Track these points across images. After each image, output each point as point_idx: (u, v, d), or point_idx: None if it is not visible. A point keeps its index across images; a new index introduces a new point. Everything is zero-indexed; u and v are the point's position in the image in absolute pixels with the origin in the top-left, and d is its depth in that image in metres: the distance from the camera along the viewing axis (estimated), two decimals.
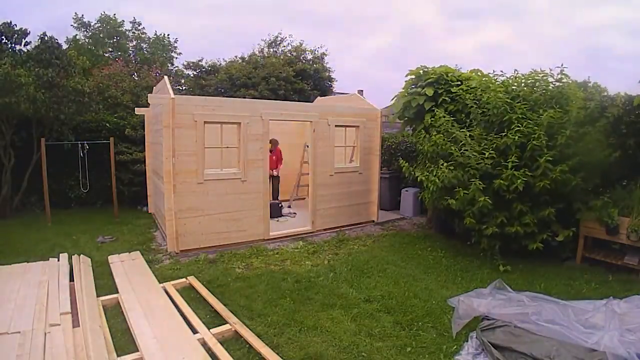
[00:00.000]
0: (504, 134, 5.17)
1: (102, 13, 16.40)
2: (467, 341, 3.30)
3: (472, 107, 5.67)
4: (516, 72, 5.95)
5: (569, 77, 5.60)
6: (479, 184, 4.91)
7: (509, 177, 4.89)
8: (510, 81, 5.91)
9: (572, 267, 5.17)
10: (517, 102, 5.33)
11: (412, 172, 5.93)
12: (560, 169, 4.81)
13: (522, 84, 5.72)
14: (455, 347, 3.26)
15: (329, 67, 16.13)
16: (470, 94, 5.84)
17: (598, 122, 5.03)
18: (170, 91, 5.53)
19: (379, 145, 7.57)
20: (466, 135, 5.35)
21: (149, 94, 6.34)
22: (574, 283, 4.58)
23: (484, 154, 5.08)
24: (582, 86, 5.86)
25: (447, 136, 5.60)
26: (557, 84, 5.60)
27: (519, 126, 5.05)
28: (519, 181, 4.80)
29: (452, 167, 5.23)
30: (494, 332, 3.21)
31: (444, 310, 3.90)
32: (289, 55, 15.71)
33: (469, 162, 5.12)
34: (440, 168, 5.29)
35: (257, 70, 13.95)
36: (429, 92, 6.34)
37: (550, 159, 4.85)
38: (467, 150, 5.20)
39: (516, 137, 5.00)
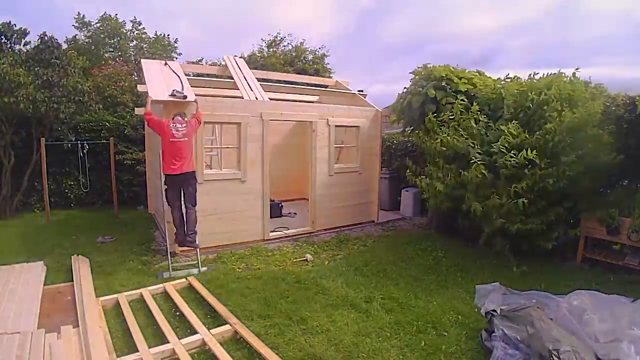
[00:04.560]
0: (536, 131, 5.02)
1: (104, 13, 16.39)
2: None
3: (509, 103, 5.55)
4: (535, 73, 5.91)
5: (578, 78, 5.59)
6: (518, 187, 4.74)
7: (534, 177, 4.78)
8: (527, 82, 5.86)
9: (572, 268, 5.15)
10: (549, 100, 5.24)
11: (415, 180, 5.90)
12: (577, 170, 4.79)
13: (544, 86, 5.62)
14: (455, 347, 3.26)
15: (330, 68, 16.15)
16: (494, 93, 5.81)
17: (605, 122, 5.01)
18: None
19: (379, 145, 7.57)
20: (506, 129, 5.08)
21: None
22: (575, 283, 4.55)
23: (516, 153, 4.86)
24: (584, 86, 5.84)
25: (464, 129, 5.47)
26: (570, 86, 5.57)
27: (549, 123, 4.96)
28: (551, 181, 4.72)
29: (483, 168, 4.97)
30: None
31: (444, 311, 3.90)
32: (289, 55, 15.72)
33: (497, 161, 4.93)
34: (477, 167, 4.99)
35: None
36: (430, 92, 6.32)
37: (575, 159, 4.81)
38: (497, 145, 4.99)
39: (548, 136, 4.91)
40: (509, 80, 6.23)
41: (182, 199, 5.06)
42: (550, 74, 5.77)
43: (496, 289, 4.10)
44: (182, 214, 5.11)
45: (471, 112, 5.66)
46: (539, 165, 4.84)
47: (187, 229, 5.12)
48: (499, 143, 5.03)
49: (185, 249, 5.57)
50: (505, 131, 5.08)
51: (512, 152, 4.88)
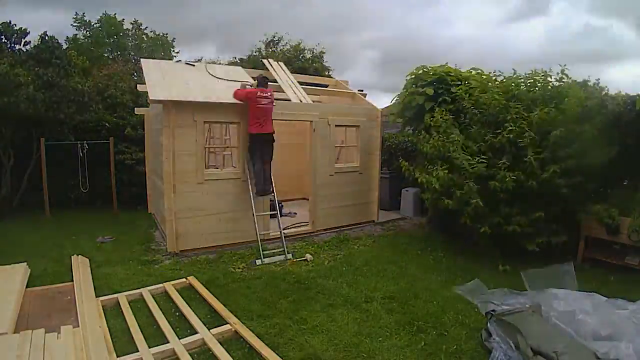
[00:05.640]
0: (499, 131, 5.15)
1: (104, 13, 16.40)
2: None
3: (469, 108, 5.65)
4: (514, 71, 5.93)
5: (569, 76, 5.59)
6: (473, 185, 4.92)
7: (502, 178, 4.87)
8: (509, 81, 5.88)
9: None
10: (513, 102, 5.31)
11: (412, 172, 5.91)
12: (552, 170, 4.77)
13: (521, 84, 5.68)
14: (455, 347, 3.26)
15: (329, 66, 16.13)
16: (468, 94, 5.82)
17: (595, 120, 4.97)
18: None
19: (379, 145, 7.56)
20: (459, 140, 5.33)
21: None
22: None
23: (478, 156, 5.07)
24: (582, 85, 5.83)
25: (446, 136, 5.58)
26: (557, 83, 5.57)
27: (511, 126, 5.03)
28: (507, 180, 4.80)
29: (446, 170, 5.24)
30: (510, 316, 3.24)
31: (444, 311, 3.90)
32: (288, 54, 15.68)
33: (463, 165, 5.11)
34: (439, 169, 5.27)
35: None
36: (429, 92, 6.31)
37: (538, 157, 4.82)
38: (459, 155, 5.19)
39: (512, 136, 4.99)
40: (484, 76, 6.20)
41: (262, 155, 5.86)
42: (528, 73, 5.77)
43: (496, 290, 4.12)
44: (262, 167, 5.85)
45: (450, 115, 5.74)
46: (498, 166, 4.93)
47: (264, 178, 5.90)
48: (458, 151, 5.25)
49: (185, 249, 5.59)
50: (456, 137, 5.31)
51: (479, 158, 5.07)
